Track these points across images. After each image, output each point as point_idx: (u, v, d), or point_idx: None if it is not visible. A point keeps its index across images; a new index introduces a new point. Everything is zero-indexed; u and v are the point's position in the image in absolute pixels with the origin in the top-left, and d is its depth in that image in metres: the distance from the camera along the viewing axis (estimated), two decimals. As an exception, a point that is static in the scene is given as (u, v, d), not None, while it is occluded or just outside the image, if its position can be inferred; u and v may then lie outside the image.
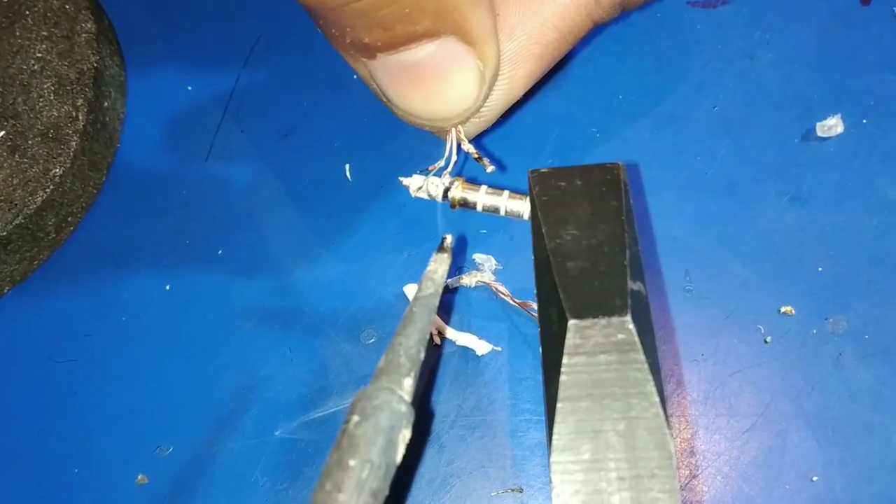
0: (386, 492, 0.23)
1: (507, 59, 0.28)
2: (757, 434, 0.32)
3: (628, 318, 0.23)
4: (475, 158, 0.30)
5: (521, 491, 0.32)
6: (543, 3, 0.28)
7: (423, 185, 0.29)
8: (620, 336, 0.23)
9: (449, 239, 0.29)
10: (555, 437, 0.23)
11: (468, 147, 0.29)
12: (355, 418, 0.23)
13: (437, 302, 0.27)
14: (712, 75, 0.38)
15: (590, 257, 0.25)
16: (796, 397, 0.32)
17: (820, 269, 0.34)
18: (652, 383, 0.23)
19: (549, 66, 0.31)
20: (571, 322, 0.23)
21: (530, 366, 0.33)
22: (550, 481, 0.23)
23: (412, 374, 0.25)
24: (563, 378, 0.23)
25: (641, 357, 0.23)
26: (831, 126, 0.35)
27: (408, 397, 0.24)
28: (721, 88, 0.37)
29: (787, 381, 0.32)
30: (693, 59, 0.38)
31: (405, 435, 0.24)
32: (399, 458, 0.23)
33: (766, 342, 0.33)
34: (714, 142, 0.36)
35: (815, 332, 0.33)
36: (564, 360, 0.23)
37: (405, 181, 0.30)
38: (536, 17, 0.28)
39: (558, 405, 0.23)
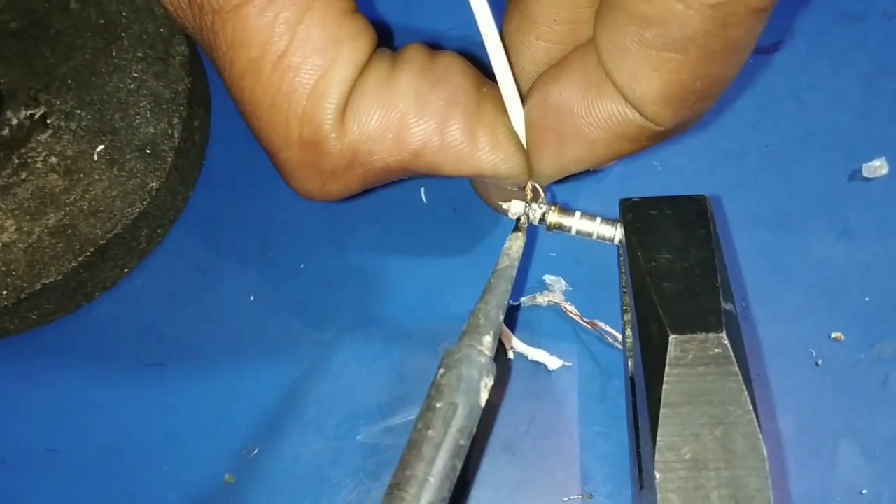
0: (472, 430, 0.27)
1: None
2: (808, 449, 0.35)
3: (723, 334, 0.27)
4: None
5: (590, 497, 0.35)
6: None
7: (522, 210, 0.33)
8: (717, 350, 0.27)
9: (523, 219, 0.33)
10: (659, 437, 0.26)
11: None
12: (441, 371, 0.28)
13: (514, 273, 0.30)
14: (766, 116, 0.41)
15: (684, 279, 0.29)
16: (846, 416, 0.36)
17: (867, 299, 0.38)
18: (746, 393, 0.26)
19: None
20: (672, 337, 0.27)
21: (599, 381, 0.37)
22: (654, 478, 0.26)
23: (491, 332, 0.29)
24: (665, 386, 0.26)
25: (736, 370, 0.27)
26: (877, 167, 0.39)
27: (488, 352, 0.28)
28: (774, 128, 0.41)
29: (836, 401, 0.36)
30: (748, 100, 0.42)
31: (487, 382, 0.28)
32: (482, 401, 0.28)
33: (817, 365, 0.37)
34: (767, 178, 0.40)
35: (862, 356, 0.37)
36: (667, 370, 0.27)
37: (505, 205, 0.33)
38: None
39: (662, 410, 0.26)
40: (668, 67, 0.26)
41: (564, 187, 0.40)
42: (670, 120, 0.28)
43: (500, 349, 0.38)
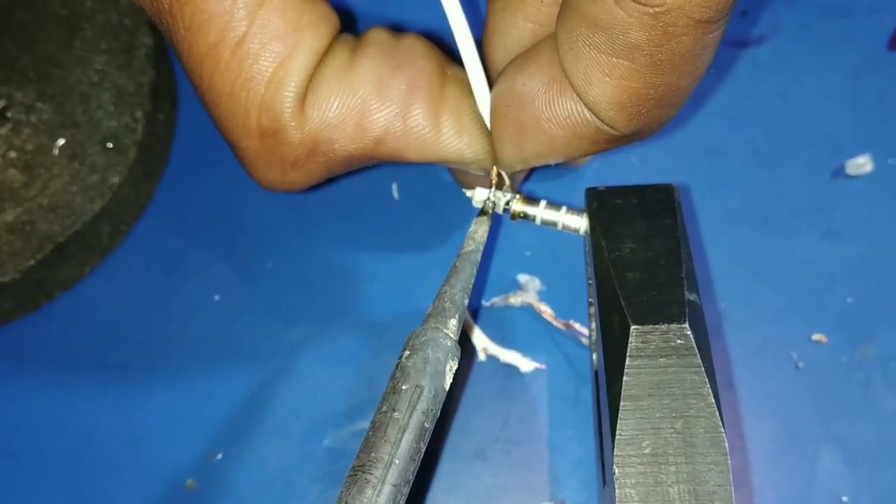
0: (437, 413, 0.28)
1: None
2: (789, 455, 0.36)
3: (686, 325, 0.28)
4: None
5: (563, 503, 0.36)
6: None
7: (486, 197, 0.34)
8: (679, 342, 0.28)
9: (488, 205, 0.34)
10: (618, 431, 0.27)
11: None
12: (406, 353, 0.29)
13: (478, 257, 0.32)
14: (748, 112, 0.43)
15: (647, 269, 0.30)
16: (827, 421, 0.37)
17: (849, 300, 0.38)
18: (708, 386, 0.27)
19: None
20: (634, 327, 0.28)
21: (572, 384, 0.38)
22: (613, 473, 0.27)
23: (457, 316, 0.30)
24: (626, 378, 0.27)
25: (698, 361, 0.27)
26: (861, 164, 0.40)
27: (453, 335, 0.30)
28: (756, 124, 0.42)
29: (817, 406, 0.37)
30: (730, 95, 0.43)
31: (452, 366, 0.29)
32: (447, 384, 0.29)
33: (797, 368, 0.38)
34: (749, 175, 0.41)
35: (844, 359, 0.38)
36: (627, 361, 0.28)
37: (469, 193, 0.34)
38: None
39: (622, 403, 0.27)
40: (618, 74, 0.26)
41: (542, 183, 0.41)
42: (626, 126, 0.28)
43: (465, 336, 0.39)
